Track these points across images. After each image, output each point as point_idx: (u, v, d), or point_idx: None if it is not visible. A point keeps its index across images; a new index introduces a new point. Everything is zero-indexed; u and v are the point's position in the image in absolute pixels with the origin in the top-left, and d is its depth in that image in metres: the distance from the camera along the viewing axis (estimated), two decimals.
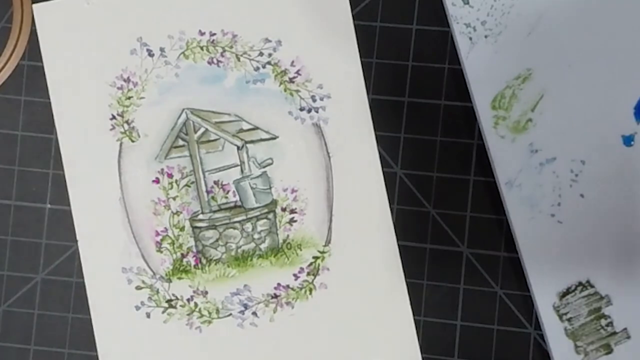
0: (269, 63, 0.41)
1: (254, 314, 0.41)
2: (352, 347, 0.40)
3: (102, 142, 0.41)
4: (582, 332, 0.39)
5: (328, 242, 0.41)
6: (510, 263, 0.40)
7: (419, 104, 0.41)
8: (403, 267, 0.40)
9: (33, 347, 0.41)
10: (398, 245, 0.40)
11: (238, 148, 0.41)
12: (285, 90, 0.41)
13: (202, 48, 0.41)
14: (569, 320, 0.39)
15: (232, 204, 0.41)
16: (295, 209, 0.41)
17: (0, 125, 0.42)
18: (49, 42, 0.41)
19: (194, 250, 0.41)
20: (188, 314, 0.41)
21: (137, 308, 0.41)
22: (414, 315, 0.40)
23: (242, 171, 0.41)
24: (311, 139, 0.41)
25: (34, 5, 0.41)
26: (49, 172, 0.42)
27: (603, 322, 0.39)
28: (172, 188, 0.41)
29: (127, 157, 0.41)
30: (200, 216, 0.41)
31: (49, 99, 0.41)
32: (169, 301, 0.41)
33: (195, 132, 0.41)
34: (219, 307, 0.41)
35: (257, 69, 0.41)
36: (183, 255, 0.41)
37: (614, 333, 0.39)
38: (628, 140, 0.39)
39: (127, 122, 0.41)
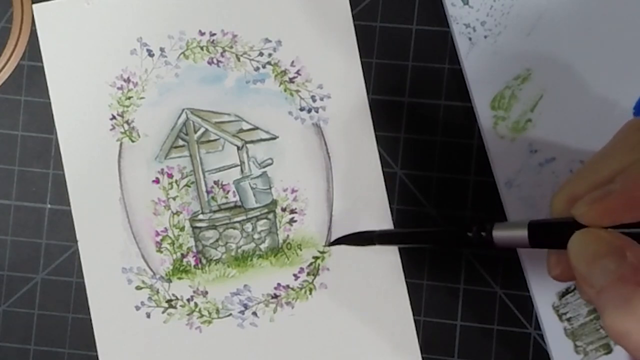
0: (269, 63, 0.41)
1: (254, 314, 0.41)
2: (352, 347, 0.40)
3: (102, 142, 0.41)
4: (581, 332, 0.39)
5: (328, 242, 0.41)
6: (510, 263, 0.40)
7: (419, 104, 0.41)
8: (403, 267, 0.40)
9: (33, 347, 0.41)
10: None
11: (238, 148, 0.41)
12: (285, 90, 0.41)
13: (202, 48, 0.41)
14: (568, 320, 0.39)
15: (232, 204, 0.41)
16: (295, 209, 0.41)
17: (0, 125, 0.42)
18: (49, 42, 0.41)
19: (194, 250, 0.41)
20: (188, 314, 0.41)
21: (137, 308, 0.41)
22: (414, 315, 0.40)
23: (242, 171, 0.41)
24: (311, 139, 0.41)
25: (34, 5, 0.41)
26: (49, 172, 0.41)
27: None
28: (172, 188, 0.41)
29: (127, 157, 0.41)
30: (200, 216, 0.41)
31: (49, 99, 0.41)
32: (169, 301, 0.41)
33: (195, 132, 0.41)
34: (219, 307, 0.41)
35: (257, 69, 0.41)
36: (183, 255, 0.41)
37: None
38: None
39: (127, 122, 0.41)
